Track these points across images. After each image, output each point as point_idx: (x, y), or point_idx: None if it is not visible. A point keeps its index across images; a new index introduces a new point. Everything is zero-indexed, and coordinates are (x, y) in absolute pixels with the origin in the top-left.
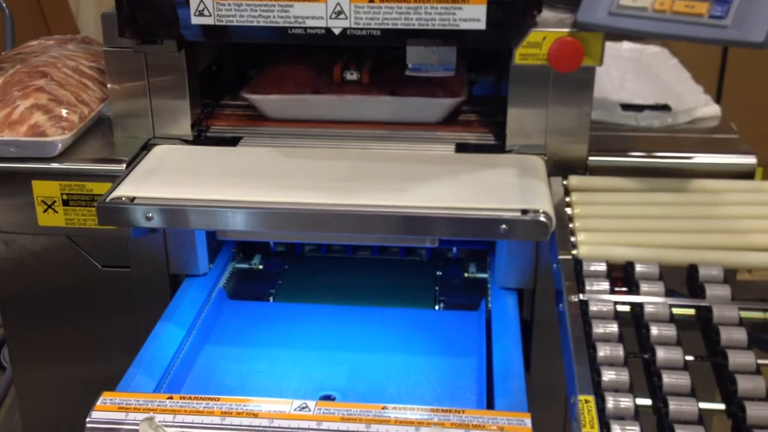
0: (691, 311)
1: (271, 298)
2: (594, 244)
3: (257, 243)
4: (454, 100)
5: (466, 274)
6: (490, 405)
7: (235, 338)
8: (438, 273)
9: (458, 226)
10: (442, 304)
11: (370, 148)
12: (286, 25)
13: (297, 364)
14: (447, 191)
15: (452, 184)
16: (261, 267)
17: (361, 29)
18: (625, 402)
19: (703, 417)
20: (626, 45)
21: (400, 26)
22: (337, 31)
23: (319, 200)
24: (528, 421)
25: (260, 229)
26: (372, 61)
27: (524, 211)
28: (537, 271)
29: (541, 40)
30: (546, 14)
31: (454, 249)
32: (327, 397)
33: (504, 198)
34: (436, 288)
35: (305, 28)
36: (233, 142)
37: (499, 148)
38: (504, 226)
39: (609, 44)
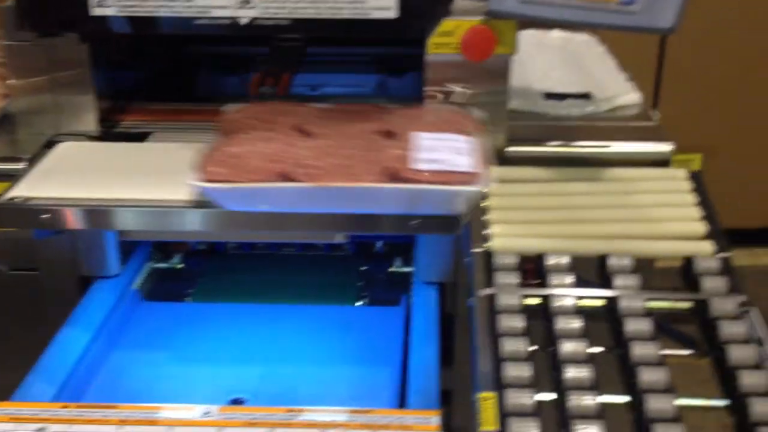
0: (600, 302)
1: (188, 299)
2: (507, 236)
3: (177, 241)
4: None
5: (391, 269)
6: (403, 403)
7: (146, 341)
8: (363, 268)
9: (368, 222)
10: (364, 300)
11: None
12: (191, 15)
13: (209, 367)
14: None
15: None
16: (181, 266)
17: (269, 19)
18: (526, 398)
19: (604, 410)
20: (555, 33)
21: (309, 15)
22: (244, 21)
23: None
24: (435, 419)
25: (156, 228)
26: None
27: None
28: (459, 264)
29: (454, 28)
30: (460, 3)
31: (379, 244)
32: (237, 401)
33: None
34: (360, 283)
35: (211, 18)
36: (142, 137)
37: None
38: (414, 221)
39: (537, 33)
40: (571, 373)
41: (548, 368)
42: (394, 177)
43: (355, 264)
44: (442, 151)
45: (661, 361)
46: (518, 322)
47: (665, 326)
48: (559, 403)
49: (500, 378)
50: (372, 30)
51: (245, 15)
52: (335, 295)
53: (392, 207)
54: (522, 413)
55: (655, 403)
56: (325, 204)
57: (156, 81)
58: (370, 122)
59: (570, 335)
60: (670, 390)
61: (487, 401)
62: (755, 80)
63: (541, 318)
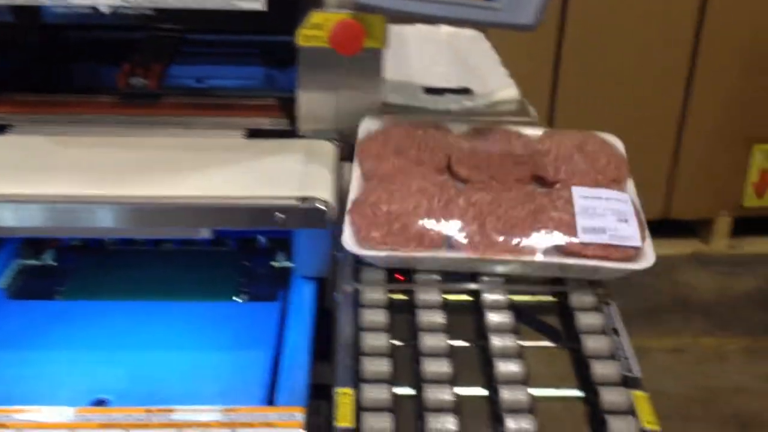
0: (468, 297)
1: (58, 297)
2: None
3: (49, 238)
4: None
5: (274, 264)
6: (271, 400)
7: (9, 341)
8: (245, 263)
9: (230, 216)
10: (243, 296)
11: (153, 135)
12: (50, 3)
13: (74, 367)
14: (224, 180)
15: (232, 172)
16: (53, 263)
17: (133, 8)
18: (383, 392)
19: (461, 403)
20: (443, 29)
21: (174, 4)
22: (105, 9)
23: (74, 191)
24: (299, 416)
25: (6, 225)
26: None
27: (301, 199)
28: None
29: (323, 21)
30: None
31: (262, 238)
32: (100, 402)
33: (283, 185)
34: (240, 279)
35: (70, 7)
36: (1, 130)
37: (292, 133)
38: (279, 214)
39: (424, 28)
40: (429, 366)
41: (409, 363)
42: (561, 250)
43: (237, 259)
44: (605, 215)
45: (519, 353)
46: (380, 317)
47: (529, 319)
48: (417, 397)
49: (359, 373)
50: (240, 21)
51: (107, 3)
52: (214, 291)
53: (546, 273)
54: (378, 408)
55: (510, 395)
56: (488, 268)
57: (22, 71)
58: (521, 163)
59: (431, 329)
60: (525, 381)
61: (344, 396)
62: (652, 72)
63: (406, 313)
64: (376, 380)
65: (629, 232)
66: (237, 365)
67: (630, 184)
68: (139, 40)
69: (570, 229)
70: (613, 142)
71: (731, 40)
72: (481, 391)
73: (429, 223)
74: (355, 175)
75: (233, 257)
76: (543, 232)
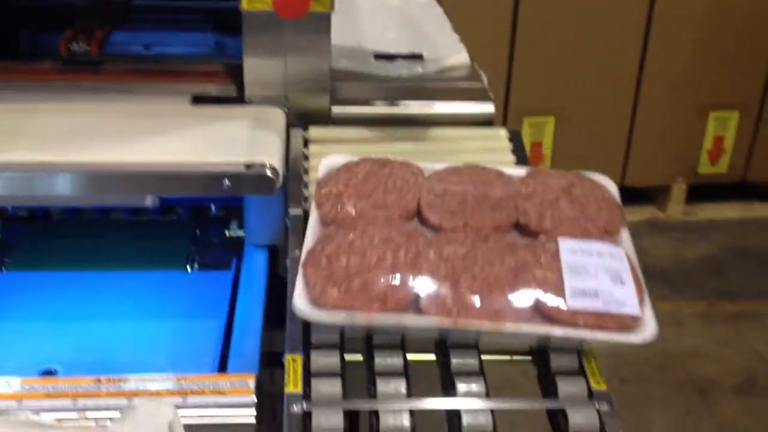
0: None
1: (2, 268)
2: None
3: None
4: None
5: (227, 233)
6: (223, 368)
7: None
8: (197, 232)
9: (177, 183)
10: (195, 265)
11: (97, 102)
12: None
13: (21, 338)
14: (170, 146)
15: (178, 138)
16: None
17: None
18: (332, 359)
19: (409, 367)
20: None
21: None
22: None
23: (16, 158)
24: (251, 383)
25: None
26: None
27: (248, 165)
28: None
29: None
30: None
31: (214, 207)
32: (48, 372)
33: (229, 152)
34: (192, 248)
35: None
36: None
37: (239, 99)
38: (226, 181)
39: None
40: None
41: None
42: (545, 315)
43: (189, 228)
44: (596, 275)
45: None
46: None
47: None
48: (368, 363)
49: (309, 339)
50: None
51: None
52: (165, 260)
53: (526, 342)
54: (327, 374)
55: (460, 359)
56: (460, 336)
57: None
58: (501, 207)
59: None
60: (476, 346)
61: (293, 363)
62: (607, 40)
63: None
64: (326, 346)
65: (625, 296)
66: (189, 334)
67: (625, 235)
68: (84, 6)
69: (557, 291)
70: (604, 184)
71: (685, 8)
72: (429, 356)
73: (394, 281)
74: (312, 220)
75: (185, 226)
76: (525, 293)
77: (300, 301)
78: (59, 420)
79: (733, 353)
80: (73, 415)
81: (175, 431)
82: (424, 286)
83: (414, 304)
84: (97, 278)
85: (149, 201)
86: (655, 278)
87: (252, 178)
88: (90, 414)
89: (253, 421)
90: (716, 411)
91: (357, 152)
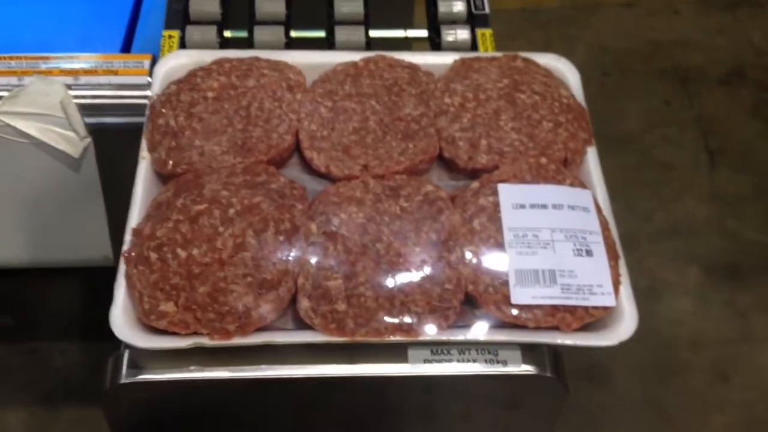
0: None
1: None
2: None
3: None
4: None
5: None
6: (127, 49)
7: None
8: None
9: None
10: None
11: None
12: None
13: None
14: None
15: None
16: None
17: None
18: (209, 34)
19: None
20: None
21: None
22: None
23: None
24: (146, 63)
25: None
26: None
27: None
28: None
29: None
30: None
31: None
32: None
33: None
34: None
35: None
36: None
37: None
38: None
39: None
40: (263, 6)
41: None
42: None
43: None
44: (552, 243)
45: None
46: None
47: None
48: (248, 40)
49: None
50: None
51: None
52: None
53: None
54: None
55: (347, 35)
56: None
57: None
58: (416, 133)
59: None
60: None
61: (168, 40)
62: None
63: None
64: (205, 22)
65: (594, 274)
66: (94, 15)
67: (592, 162)
68: None
69: (496, 276)
70: (560, 69)
71: None
72: (318, 33)
73: (260, 287)
74: (141, 173)
75: None
76: (451, 289)
77: (119, 321)
78: None
79: (725, 42)
80: None
81: (68, 109)
82: (304, 288)
83: (291, 313)
84: None
85: None
86: None
87: None
88: None
89: (146, 102)
90: (697, 101)
91: None
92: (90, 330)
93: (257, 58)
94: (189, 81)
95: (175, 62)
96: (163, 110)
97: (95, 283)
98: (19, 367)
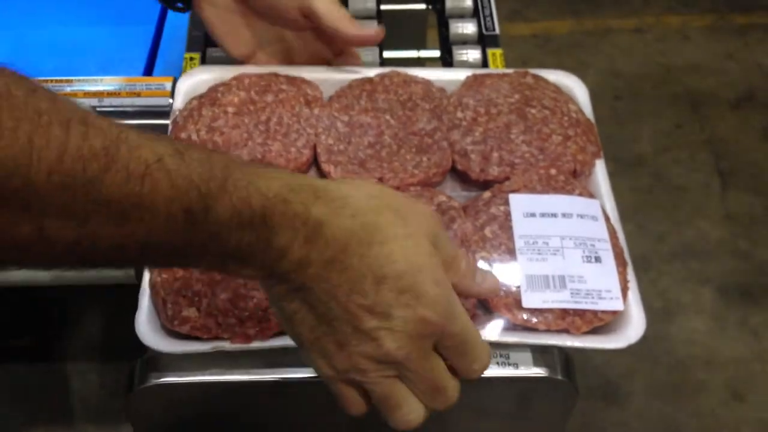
0: None
1: None
2: None
3: None
4: None
5: None
6: (149, 72)
7: None
8: None
9: None
10: None
11: None
12: None
13: None
14: None
15: None
16: None
17: None
18: None
19: None
20: None
21: None
22: None
23: None
24: (167, 85)
25: None
26: None
27: None
28: None
29: None
30: None
31: None
32: None
33: None
34: None
35: None
36: None
37: None
38: None
39: None
40: None
41: None
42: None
43: None
44: (562, 251)
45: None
46: None
47: None
48: None
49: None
50: None
51: None
52: None
53: None
54: None
55: None
56: None
57: None
58: (430, 147)
59: None
60: None
61: (191, 62)
62: None
63: None
64: None
65: (603, 280)
66: (117, 40)
67: (600, 174)
68: None
69: (508, 280)
70: (568, 86)
71: None
72: None
73: None
74: None
75: None
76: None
77: (144, 327)
78: None
79: (735, 67)
80: None
81: None
82: None
83: None
84: None
85: None
86: None
87: None
88: None
89: (168, 121)
90: (708, 124)
91: None
92: (109, 352)
93: (275, 74)
94: (210, 96)
95: (197, 78)
96: (186, 124)
97: (115, 303)
98: (38, 387)
